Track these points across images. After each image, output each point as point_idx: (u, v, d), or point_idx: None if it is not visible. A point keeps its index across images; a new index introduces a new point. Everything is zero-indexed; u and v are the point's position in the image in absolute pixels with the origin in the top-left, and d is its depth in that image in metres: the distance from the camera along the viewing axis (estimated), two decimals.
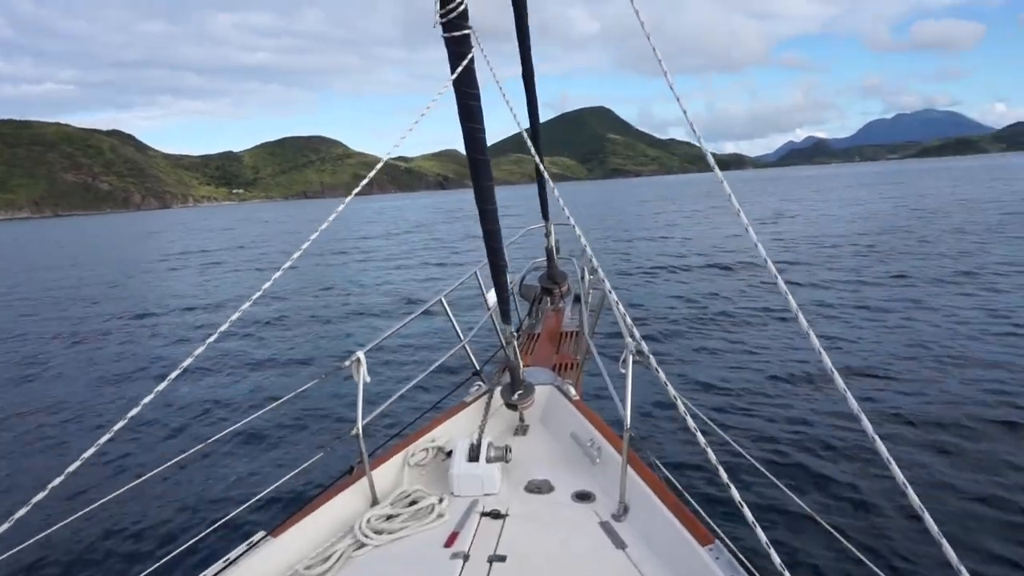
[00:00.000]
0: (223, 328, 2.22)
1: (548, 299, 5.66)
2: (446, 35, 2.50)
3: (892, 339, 8.96)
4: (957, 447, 5.55)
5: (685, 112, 2.44)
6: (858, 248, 18.57)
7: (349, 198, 2.81)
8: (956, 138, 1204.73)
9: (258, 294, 2.25)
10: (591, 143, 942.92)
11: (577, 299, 5.95)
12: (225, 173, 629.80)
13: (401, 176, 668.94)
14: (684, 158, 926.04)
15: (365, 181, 2.74)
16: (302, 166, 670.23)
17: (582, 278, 5.82)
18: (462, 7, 2.46)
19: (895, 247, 18.21)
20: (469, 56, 2.56)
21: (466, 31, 2.52)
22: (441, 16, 2.45)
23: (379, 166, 2.74)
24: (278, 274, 2.34)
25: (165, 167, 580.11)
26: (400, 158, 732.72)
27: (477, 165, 2.84)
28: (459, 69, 2.53)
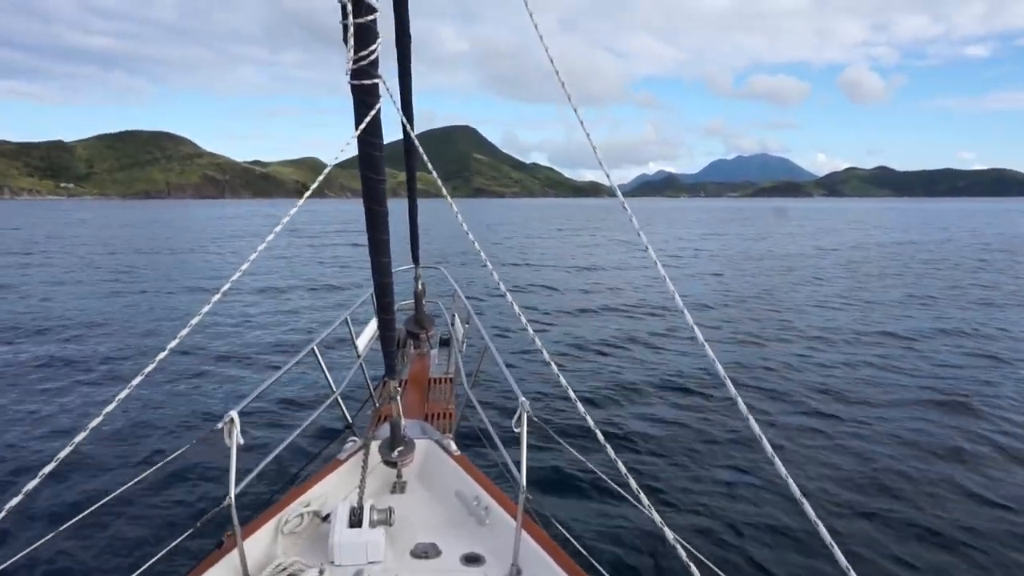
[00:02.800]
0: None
1: (412, 343, 5.55)
2: (354, 83, 2.43)
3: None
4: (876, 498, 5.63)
5: (588, 135, 2.44)
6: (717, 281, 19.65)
7: (300, 203, 2.67)
8: (786, 181, 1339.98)
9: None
10: (457, 161, 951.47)
11: (444, 343, 5.85)
12: (52, 164, 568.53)
13: (257, 181, 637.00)
14: (545, 182, 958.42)
15: (315, 185, 2.66)
16: (145, 163, 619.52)
17: (452, 323, 5.74)
18: (374, 56, 2.39)
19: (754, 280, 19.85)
20: (377, 107, 2.50)
21: (376, 80, 2.47)
22: (353, 63, 2.37)
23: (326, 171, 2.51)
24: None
25: None
26: (256, 162, 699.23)
27: (375, 217, 2.74)
28: (366, 120, 2.48)
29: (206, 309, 2.34)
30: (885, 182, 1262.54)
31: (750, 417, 1.91)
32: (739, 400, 1.93)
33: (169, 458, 2.85)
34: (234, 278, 2.40)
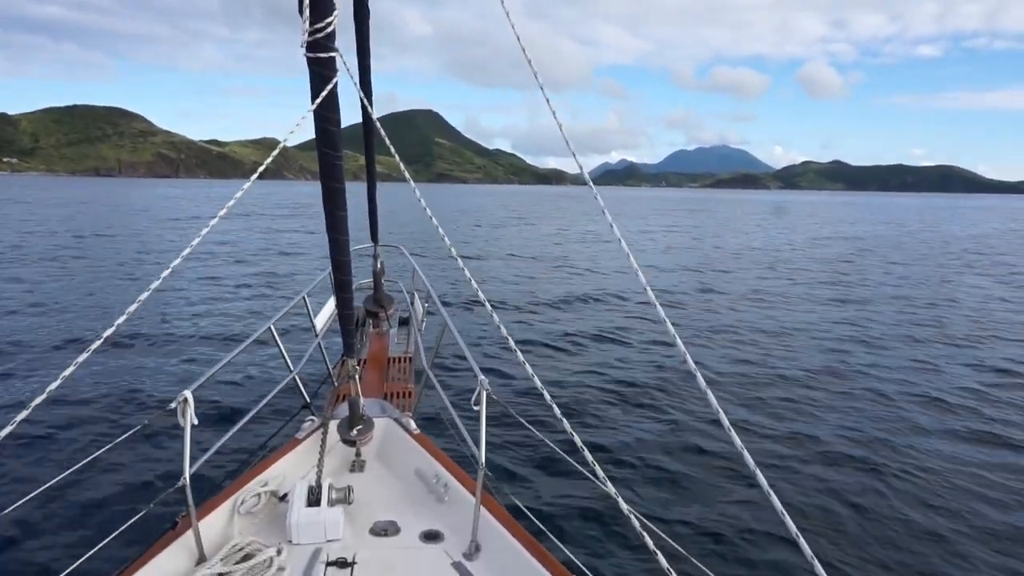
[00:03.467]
0: None
1: (371, 322, 5.58)
2: (310, 56, 2.37)
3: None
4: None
5: (556, 117, 2.46)
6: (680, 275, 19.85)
7: (248, 183, 2.63)
8: (744, 173, 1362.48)
9: None
10: (419, 146, 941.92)
11: (403, 323, 5.85)
12: None
13: (213, 161, 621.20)
14: (508, 169, 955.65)
15: (266, 164, 2.69)
16: (96, 139, 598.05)
17: (412, 303, 5.73)
18: (330, 28, 2.33)
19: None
20: (334, 81, 2.44)
21: (332, 53, 2.41)
22: (308, 35, 2.30)
23: (275, 152, 2.64)
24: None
25: None
26: (213, 141, 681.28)
27: (333, 194, 2.71)
28: (323, 94, 2.42)
29: (155, 285, 2.28)
30: (839, 176, 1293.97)
31: (709, 392, 1.92)
32: (699, 376, 1.93)
33: (121, 438, 2.83)
34: (185, 252, 2.35)
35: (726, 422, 1.88)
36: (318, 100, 2.43)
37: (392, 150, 3.01)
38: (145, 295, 2.28)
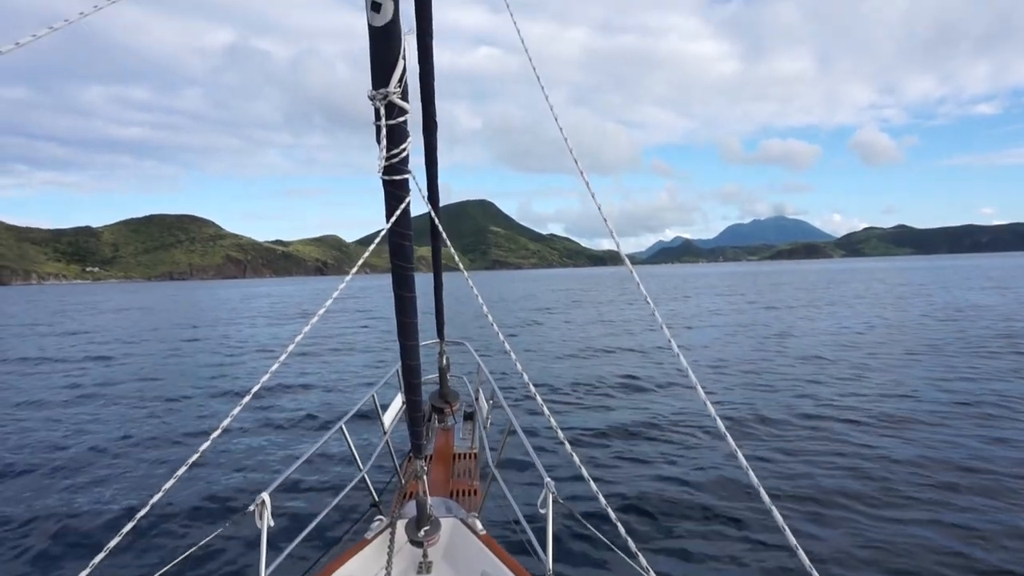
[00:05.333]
0: None
1: (437, 417, 5.69)
2: (386, 178, 2.54)
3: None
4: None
5: (597, 203, 2.64)
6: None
7: (347, 279, 2.81)
8: (804, 243, 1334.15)
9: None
10: (474, 234, 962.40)
11: (468, 417, 6.06)
12: (79, 249, 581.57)
13: (278, 260, 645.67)
14: (563, 252, 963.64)
15: (360, 261, 2.84)
16: (169, 245, 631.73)
17: (476, 399, 5.91)
18: (404, 153, 2.51)
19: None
20: (407, 200, 2.61)
21: (406, 175, 2.58)
22: (385, 160, 2.48)
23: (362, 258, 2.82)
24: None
25: (7, 239, 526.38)
26: (277, 241, 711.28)
27: (404, 303, 2.84)
28: (397, 213, 2.60)
29: (264, 379, 2.42)
30: (905, 240, 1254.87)
31: (770, 504, 1.87)
32: (751, 474, 1.91)
33: (203, 541, 2.92)
34: (290, 349, 2.48)
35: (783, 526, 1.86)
36: (392, 219, 2.60)
37: (449, 245, 3.36)
38: (247, 398, 2.33)
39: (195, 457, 2.29)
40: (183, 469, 2.25)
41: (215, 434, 2.35)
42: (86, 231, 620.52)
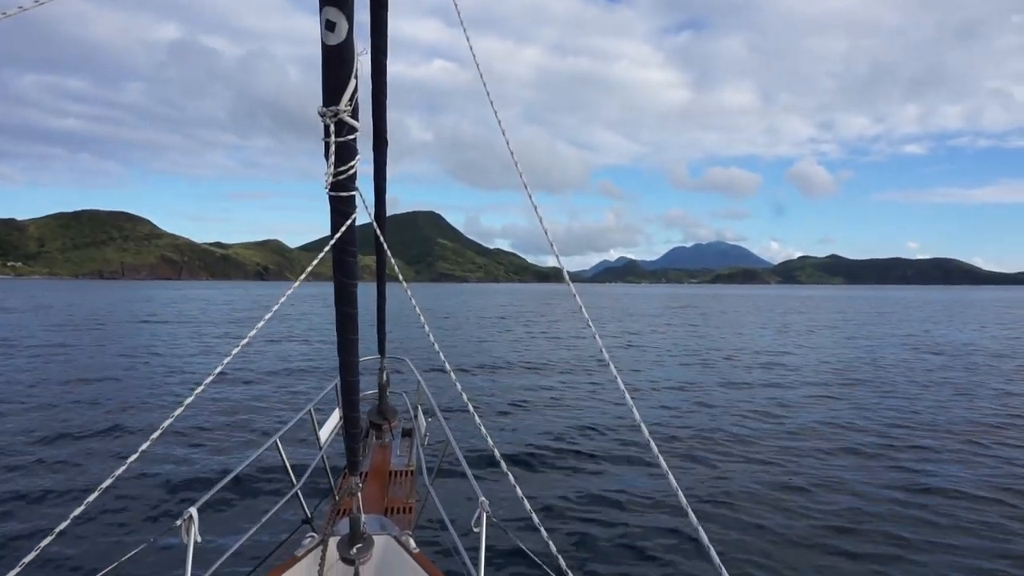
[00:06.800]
0: None
1: (374, 433, 5.68)
2: (332, 194, 2.53)
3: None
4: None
5: (542, 221, 2.67)
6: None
7: (288, 292, 2.71)
8: (743, 268, 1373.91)
9: None
10: (421, 245, 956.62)
11: (406, 433, 5.87)
12: (1, 243, 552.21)
13: (216, 263, 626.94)
14: (509, 267, 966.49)
15: (310, 267, 2.90)
16: (100, 243, 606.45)
17: (415, 415, 5.73)
18: (352, 171, 2.51)
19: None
20: (352, 217, 2.61)
21: (353, 192, 2.58)
22: (332, 177, 2.47)
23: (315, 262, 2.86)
24: None
25: None
26: (217, 244, 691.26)
27: (345, 318, 2.85)
28: (342, 229, 2.60)
29: (198, 390, 2.40)
30: (838, 270, 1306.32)
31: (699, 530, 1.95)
32: (701, 534, 1.96)
33: (125, 557, 2.85)
34: (226, 361, 2.49)
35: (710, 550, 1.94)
36: (338, 234, 2.60)
37: (392, 262, 3.28)
38: (179, 409, 2.30)
39: (121, 470, 2.23)
40: (108, 482, 2.19)
41: (144, 446, 2.28)
42: (10, 224, 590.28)
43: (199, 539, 2.46)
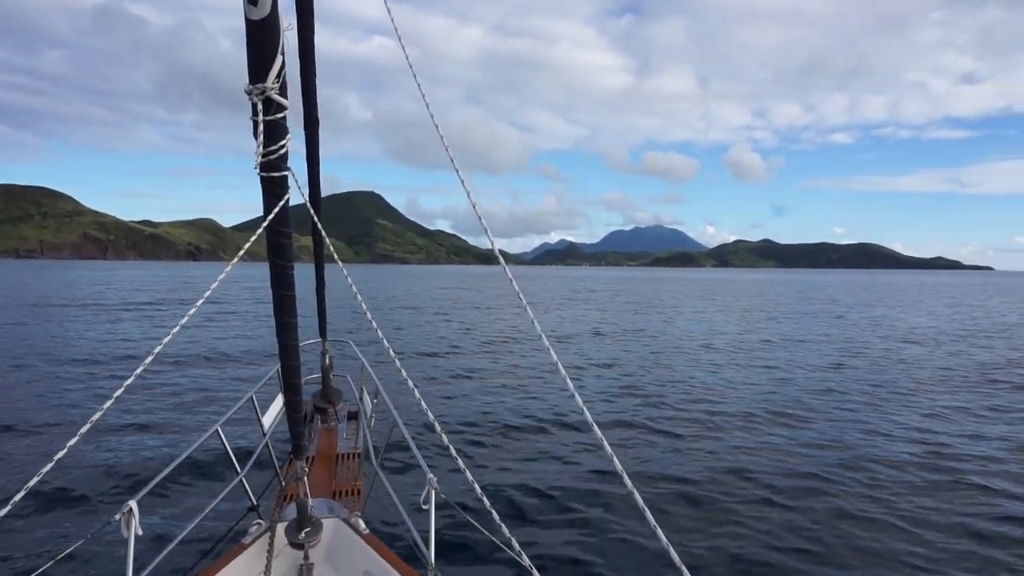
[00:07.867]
0: None
1: (319, 417, 5.59)
2: (263, 175, 2.47)
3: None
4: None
5: (480, 217, 2.71)
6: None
7: (221, 276, 2.66)
8: (680, 252, 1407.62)
9: None
10: (361, 226, 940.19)
11: (351, 417, 5.89)
12: None
13: (144, 242, 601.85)
14: (450, 249, 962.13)
15: (246, 248, 2.72)
16: (16, 219, 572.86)
17: (360, 398, 5.82)
18: (283, 150, 2.45)
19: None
20: (285, 198, 2.56)
21: (285, 172, 2.52)
22: (262, 156, 2.40)
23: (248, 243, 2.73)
24: None
25: None
26: (145, 221, 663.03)
27: (283, 301, 2.77)
28: (275, 211, 2.54)
29: (129, 382, 2.35)
30: (770, 254, 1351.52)
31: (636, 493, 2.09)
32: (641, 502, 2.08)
33: (63, 554, 2.95)
34: (166, 340, 2.44)
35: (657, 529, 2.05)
36: (271, 216, 2.53)
37: (329, 243, 3.46)
38: (108, 403, 2.24)
39: (48, 468, 2.17)
40: (34, 480, 2.12)
41: (72, 441, 2.21)
42: None
43: (140, 532, 2.43)
